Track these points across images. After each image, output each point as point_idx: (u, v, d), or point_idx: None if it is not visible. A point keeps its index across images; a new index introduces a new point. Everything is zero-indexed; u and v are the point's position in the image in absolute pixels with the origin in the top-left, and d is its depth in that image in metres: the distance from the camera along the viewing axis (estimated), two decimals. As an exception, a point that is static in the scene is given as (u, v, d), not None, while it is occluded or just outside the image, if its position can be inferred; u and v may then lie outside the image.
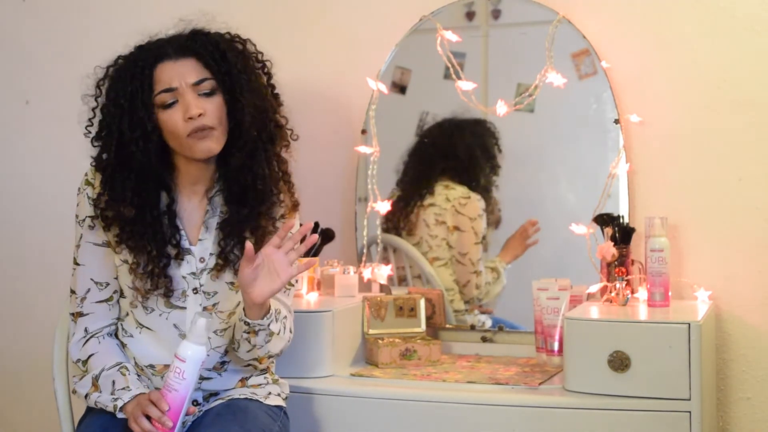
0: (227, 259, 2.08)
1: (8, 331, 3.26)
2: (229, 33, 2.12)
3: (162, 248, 2.05)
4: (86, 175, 2.11)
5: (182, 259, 2.07)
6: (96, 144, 2.06)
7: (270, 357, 2.12)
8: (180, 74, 2.03)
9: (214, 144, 2.03)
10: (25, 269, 3.24)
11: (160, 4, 3.04)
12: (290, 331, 2.13)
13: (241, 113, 2.04)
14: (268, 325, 2.02)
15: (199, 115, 2.00)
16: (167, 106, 2.02)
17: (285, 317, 2.10)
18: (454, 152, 2.86)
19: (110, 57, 2.09)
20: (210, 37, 2.08)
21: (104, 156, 2.05)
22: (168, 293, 2.06)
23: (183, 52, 2.04)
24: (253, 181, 2.06)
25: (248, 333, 2.02)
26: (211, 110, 2.02)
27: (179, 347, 1.93)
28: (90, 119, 2.08)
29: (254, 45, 2.14)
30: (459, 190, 2.83)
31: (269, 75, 2.15)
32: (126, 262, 2.07)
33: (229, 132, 2.06)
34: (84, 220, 2.09)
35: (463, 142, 2.85)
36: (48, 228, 3.20)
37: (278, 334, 2.06)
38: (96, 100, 2.07)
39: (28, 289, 3.23)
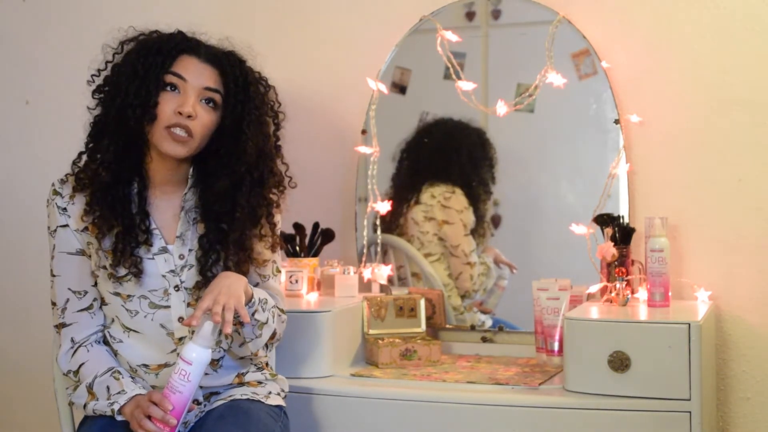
0: (206, 276, 2.08)
1: (8, 331, 3.26)
2: (259, 73, 2.13)
3: (130, 228, 2.05)
4: (53, 185, 2.12)
5: (151, 245, 2.07)
6: (96, 96, 2.07)
7: (273, 340, 2.12)
8: (198, 73, 2.04)
9: (184, 151, 2.03)
10: (25, 269, 3.24)
11: (160, 4, 3.05)
12: (282, 313, 2.15)
13: (243, 144, 2.05)
14: (253, 314, 2.04)
15: (189, 116, 2.01)
16: (169, 89, 2.03)
17: (274, 306, 2.12)
18: (441, 152, 2.86)
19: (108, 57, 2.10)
20: (243, 66, 2.10)
21: (100, 111, 2.06)
22: (138, 273, 2.04)
23: (212, 60, 2.07)
24: (232, 208, 2.06)
25: (236, 325, 2.03)
26: (202, 119, 2.03)
27: (184, 349, 1.93)
28: (99, 70, 2.08)
29: (276, 94, 2.16)
30: (442, 187, 2.84)
31: (278, 126, 2.16)
32: (97, 251, 2.06)
33: (223, 157, 2.06)
34: (56, 230, 2.09)
35: (452, 143, 2.85)
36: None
37: (267, 323, 2.08)
38: (113, 56, 2.08)
39: (28, 289, 3.22)
